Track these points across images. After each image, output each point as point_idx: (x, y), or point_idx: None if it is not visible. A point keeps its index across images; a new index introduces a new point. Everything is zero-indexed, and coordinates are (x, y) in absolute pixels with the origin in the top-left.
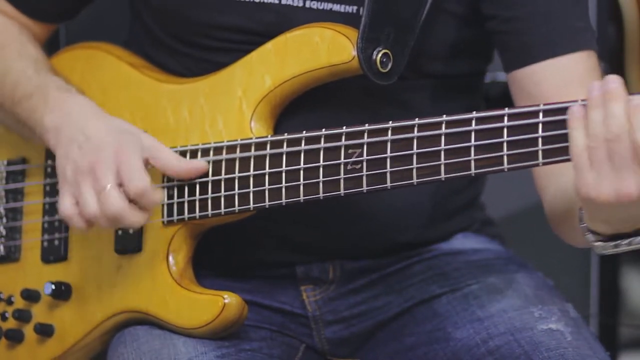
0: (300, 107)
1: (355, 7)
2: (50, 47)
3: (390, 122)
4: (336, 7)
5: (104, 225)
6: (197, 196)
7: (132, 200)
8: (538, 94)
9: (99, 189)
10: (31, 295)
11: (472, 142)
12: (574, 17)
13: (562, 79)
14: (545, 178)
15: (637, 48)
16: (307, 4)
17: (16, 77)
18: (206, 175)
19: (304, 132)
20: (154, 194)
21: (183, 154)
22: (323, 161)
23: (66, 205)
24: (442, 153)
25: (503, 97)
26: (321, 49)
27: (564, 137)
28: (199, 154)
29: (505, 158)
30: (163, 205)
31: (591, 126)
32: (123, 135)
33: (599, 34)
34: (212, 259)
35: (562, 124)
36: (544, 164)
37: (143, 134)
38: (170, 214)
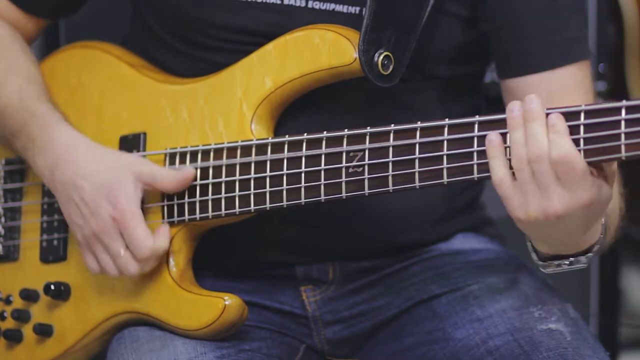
0: (301, 108)
1: (357, 8)
2: (50, 46)
3: (392, 125)
4: (339, 8)
5: None
6: (198, 198)
7: None
8: None
9: (114, 255)
10: (30, 295)
11: (475, 147)
12: (571, 26)
13: (553, 91)
14: None
15: (637, 48)
16: (310, 4)
17: (3, 104)
18: (207, 177)
19: (305, 134)
20: (159, 250)
21: (182, 155)
22: (325, 164)
23: (92, 266)
24: (445, 157)
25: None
26: (322, 50)
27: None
28: (199, 155)
29: None
30: (163, 206)
31: (514, 147)
32: (114, 182)
33: (599, 34)
34: (213, 260)
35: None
36: None
37: (135, 161)
38: (170, 215)
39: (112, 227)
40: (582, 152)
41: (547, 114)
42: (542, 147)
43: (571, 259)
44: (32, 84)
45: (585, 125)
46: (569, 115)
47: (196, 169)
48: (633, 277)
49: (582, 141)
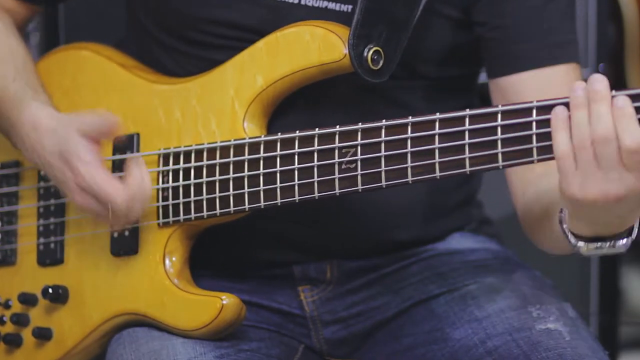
0: (293, 105)
1: (350, 7)
2: (50, 46)
3: (384, 120)
4: (331, 6)
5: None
6: (192, 197)
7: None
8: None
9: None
10: (28, 299)
11: (467, 140)
12: (562, 30)
13: (543, 90)
14: (520, 185)
15: (637, 48)
16: (303, 1)
17: None
18: (201, 176)
19: (297, 131)
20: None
21: (176, 155)
22: (317, 161)
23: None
24: (437, 151)
25: None
26: (312, 47)
27: None
28: (192, 155)
29: (499, 155)
30: (158, 207)
31: (576, 128)
32: (64, 146)
33: (599, 34)
34: (210, 260)
35: None
36: (539, 160)
37: (75, 123)
38: (165, 215)
39: (88, 195)
40: None
41: (613, 96)
42: (608, 129)
43: (613, 241)
44: (5, 64)
45: None
46: (635, 97)
47: (190, 168)
48: (633, 277)
49: None
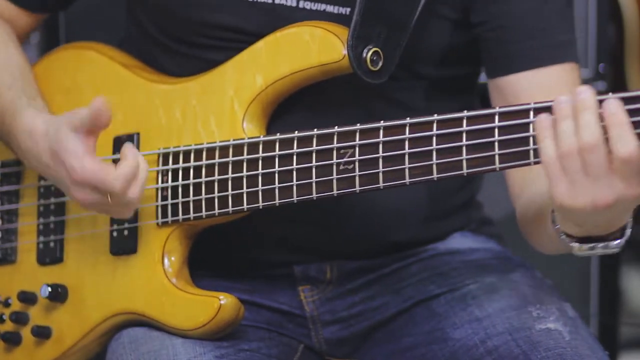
0: (292, 106)
1: (348, 9)
2: (50, 46)
3: (382, 121)
4: (329, 8)
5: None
6: (191, 197)
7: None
8: (517, 102)
9: (108, 205)
10: (28, 298)
11: (464, 141)
12: (560, 30)
13: (542, 90)
14: (517, 190)
15: (637, 48)
16: (301, 4)
17: None
18: (200, 176)
19: (296, 132)
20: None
21: (175, 155)
22: (315, 161)
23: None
24: (434, 152)
25: None
26: (312, 48)
27: None
28: (192, 155)
29: (496, 157)
30: (157, 206)
31: (562, 137)
32: (55, 144)
33: (599, 34)
34: (211, 260)
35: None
36: (536, 163)
37: (63, 123)
38: (164, 215)
39: (86, 189)
40: None
41: (602, 100)
42: (595, 137)
43: (606, 242)
44: (1, 72)
45: None
46: (628, 100)
47: (189, 168)
48: (633, 277)
49: None
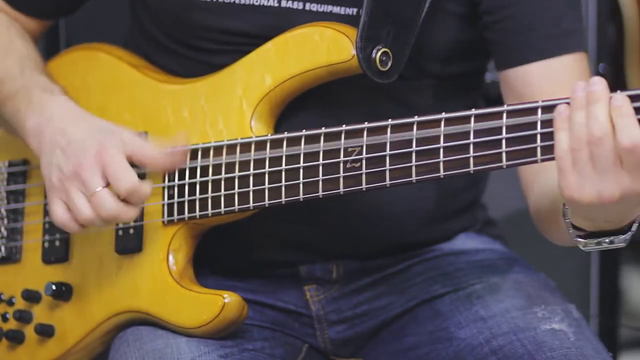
0: (300, 106)
1: (355, 10)
2: (50, 47)
3: (390, 120)
4: (336, 10)
5: (98, 225)
6: (197, 196)
7: (123, 199)
8: (528, 94)
9: (89, 193)
10: (32, 296)
11: (471, 139)
12: (567, 19)
13: (552, 80)
14: (530, 178)
15: (637, 48)
16: (307, 7)
17: (1, 75)
18: (206, 175)
19: (304, 130)
20: (143, 188)
21: None
22: (322, 160)
23: (58, 212)
24: (441, 150)
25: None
26: (321, 48)
27: None
28: (199, 153)
29: (504, 155)
30: (163, 205)
31: (574, 128)
32: (103, 134)
33: (599, 34)
34: (216, 259)
35: None
36: (543, 160)
37: (124, 132)
38: (170, 213)
39: (94, 162)
40: None
41: (611, 96)
42: (602, 130)
43: (612, 237)
44: (35, 57)
45: None
46: (635, 98)
47: (196, 167)
48: (633, 278)
49: None
